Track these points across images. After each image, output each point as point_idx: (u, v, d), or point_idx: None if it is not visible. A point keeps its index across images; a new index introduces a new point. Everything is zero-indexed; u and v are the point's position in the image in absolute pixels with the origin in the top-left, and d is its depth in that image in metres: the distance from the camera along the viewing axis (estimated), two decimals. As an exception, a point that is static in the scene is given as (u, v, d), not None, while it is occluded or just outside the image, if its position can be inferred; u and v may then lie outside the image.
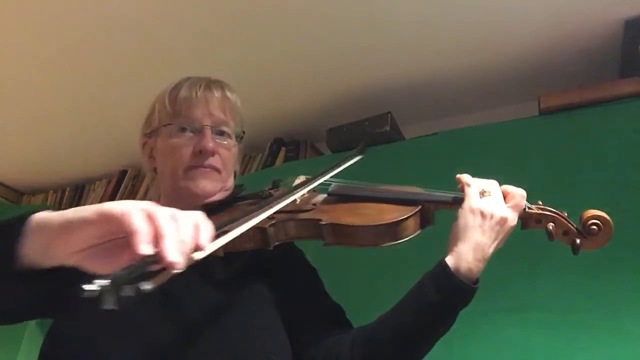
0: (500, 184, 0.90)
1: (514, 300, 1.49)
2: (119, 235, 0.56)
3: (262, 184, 1.05)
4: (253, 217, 0.77)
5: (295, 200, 0.91)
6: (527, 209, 0.88)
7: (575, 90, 1.70)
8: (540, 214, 0.88)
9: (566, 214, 0.89)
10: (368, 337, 0.89)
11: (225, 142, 1.02)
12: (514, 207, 0.86)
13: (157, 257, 0.52)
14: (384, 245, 0.85)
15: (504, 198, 0.88)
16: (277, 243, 0.89)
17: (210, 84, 1.03)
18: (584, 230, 0.86)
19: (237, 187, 1.06)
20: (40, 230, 0.61)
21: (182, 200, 0.97)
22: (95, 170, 2.66)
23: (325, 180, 0.98)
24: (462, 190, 0.89)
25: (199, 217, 0.60)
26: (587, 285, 1.42)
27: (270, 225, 0.87)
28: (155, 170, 1.06)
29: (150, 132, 1.05)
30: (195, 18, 1.73)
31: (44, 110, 2.22)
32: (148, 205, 0.57)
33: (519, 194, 0.87)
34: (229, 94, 1.05)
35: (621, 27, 1.67)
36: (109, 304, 0.47)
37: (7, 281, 0.65)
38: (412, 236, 0.87)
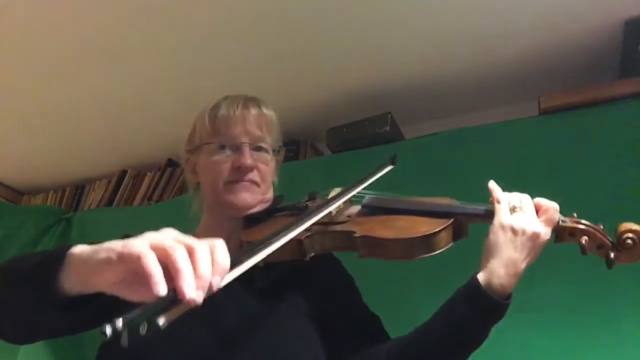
0: (532, 197, 0.89)
1: (514, 301, 1.48)
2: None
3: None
4: (291, 230, 0.79)
5: (330, 212, 0.93)
6: (560, 223, 0.86)
7: (575, 90, 1.70)
8: (574, 227, 0.86)
9: (602, 227, 0.87)
10: (403, 351, 0.91)
11: (263, 157, 1.07)
12: (546, 222, 0.85)
13: (175, 293, 0.54)
14: (418, 257, 0.86)
15: (537, 212, 0.87)
16: (313, 254, 0.91)
17: (247, 102, 1.08)
18: (619, 244, 0.84)
19: (277, 198, 1.11)
20: (76, 267, 0.66)
21: (224, 212, 1.04)
22: (95, 170, 2.65)
23: (358, 192, 0.99)
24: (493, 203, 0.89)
25: (217, 248, 0.60)
26: (586, 286, 1.42)
27: (306, 237, 0.89)
28: (198, 184, 1.12)
29: (192, 149, 1.11)
30: (194, 18, 1.73)
31: (44, 110, 2.22)
32: (167, 239, 0.59)
33: (552, 207, 0.86)
34: (264, 110, 1.09)
35: (621, 27, 1.67)
36: (124, 342, 0.49)
37: (49, 313, 0.69)
38: (445, 248, 0.87)
